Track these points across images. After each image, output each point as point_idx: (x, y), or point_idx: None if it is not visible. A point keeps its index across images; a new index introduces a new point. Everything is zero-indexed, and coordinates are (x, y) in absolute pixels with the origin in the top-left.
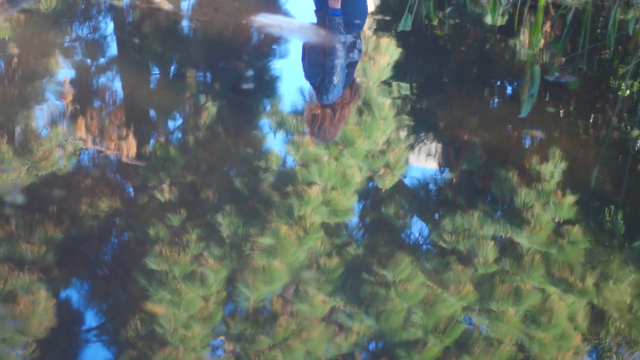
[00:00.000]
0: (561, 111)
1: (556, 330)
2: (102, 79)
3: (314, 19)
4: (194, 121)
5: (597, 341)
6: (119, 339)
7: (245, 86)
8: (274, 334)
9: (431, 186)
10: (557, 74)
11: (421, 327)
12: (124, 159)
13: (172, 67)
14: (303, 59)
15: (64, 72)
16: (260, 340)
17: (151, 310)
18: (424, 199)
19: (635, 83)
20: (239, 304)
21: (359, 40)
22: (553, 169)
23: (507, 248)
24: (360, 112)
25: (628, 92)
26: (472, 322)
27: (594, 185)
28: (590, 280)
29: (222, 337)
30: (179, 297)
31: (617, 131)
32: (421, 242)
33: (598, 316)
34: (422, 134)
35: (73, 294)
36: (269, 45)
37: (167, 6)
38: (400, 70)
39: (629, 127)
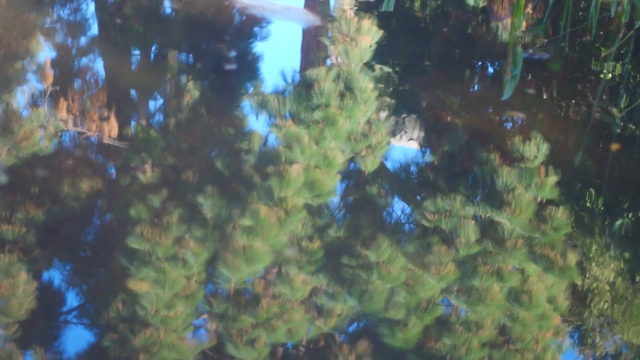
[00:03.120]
0: (544, 93)
1: (537, 310)
2: (84, 60)
3: (297, 1)
4: (176, 102)
5: (578, 322)
6: (101, 320)
7: (227, 67)
8: (257, 315)
9: (413, 167)
10: (530, 50)
11: (403, 307)
12: (106, 140)
13: (154, 48)
14: None
15: (45, 53)
16: (243, 320)
17: (133, 291)
18: (406, 180)
19: (618, 65)
20: (220, 285)
21: None
22: (536, 151)
23: (489, 229)
24: (342, 94)
25: (610, 75)
26: (454, 303)
27: (577, 167)
28: (571, 261)
29: (204, 317)
30: (161, 277)
31: (599, 113)
32: (403, 223)
33: (579, 297)
34: (405, 115)
35: (55, 275)
36: (251, 26)
37: None
38: (382, 52)
39: (610, 109)
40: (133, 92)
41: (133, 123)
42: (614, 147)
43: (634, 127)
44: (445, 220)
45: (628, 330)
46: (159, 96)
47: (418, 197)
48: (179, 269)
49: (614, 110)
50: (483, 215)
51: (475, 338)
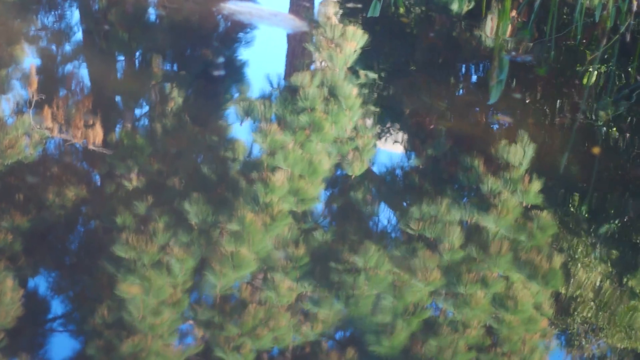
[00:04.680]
0: (529, 97)
1: (523, 314)
2: (69, 67)
3: (284, 6)
4: (161, 109)
5: (563, 326)
6: (87, 327)
7: (214, 73)
8: (243, 321)
9: (398, 171)
10: (513, 53)
11: (390, 313)
12: (91, 147)
13: (139, 55)
14: None
15: (30, 60)
16: (229, 326)
17: (119, 298)
18: (391, 185)
19: (602, 68)
20: (206, 292)
21: None
22: (522, 154)
23: (475, 234)
24: (327, 100)
25: (594, 79)
26: (440, 307)
27: (562, 172)
28: (557, 265)
29: (190, 324)
30: (147, 284)
31: (584, 117)
32: (389, 228)
33: (565, 301)
34: (390, 120)
35: (40, 283)
36: (237, 32)
37: None
38: (367, 57)
39: (594, 114)
40: (118, 98)
41: (118, 130)
42: (596, 150)
43: (618, 131)
44: (431, 225)
45: (614, 335)
46: (144, 103)
47: (404, 202)
48: (165, 275)
49: (600, 114)
50: (468, 220)
51: (461, 342)
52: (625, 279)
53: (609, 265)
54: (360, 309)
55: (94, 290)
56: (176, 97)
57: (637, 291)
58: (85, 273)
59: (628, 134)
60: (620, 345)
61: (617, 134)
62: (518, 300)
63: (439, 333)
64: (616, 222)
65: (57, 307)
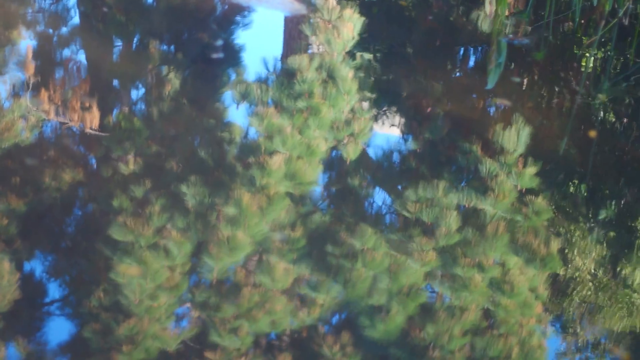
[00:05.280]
0: (527, 81)
1: (519, 298)
2: (65, 50)
3: None
4: (158, 92)
5: (560, 309)
6: (83, 310)
7: (211, 56)
8: (240, 304)
9: (395, 155)
10: (511, 36)
11: (387, 295)
12: (88, 130)
13: (136, 38)
14: None
15: (27, 43)
16: (226, 309)
17: (116, 281)
18: (388, 168)
19: (600, 53)
20: (203, 275)
21: None
22: (519, 138)
23: (471, 217)
24: (324, 83)
25: (592, 64)
26: (437, 290)
27: (561, 155)
28: (554, 249)
29: (187, 307)
30: (144, 267)
31: (582, 100)
32: (386, 211)
33: (562, 285)
34: (387, 104)
35: (37, 266)
36: (234, 15)
37: None
38: (364, 40)
39: (592, 98)
40: (115, 81)
41: (115, 113)
42: (593, 133)
43: (616, 114)
44: (428, 208)
45: (611, 318)
46: (141, 86)
47: (400, 186)
48: (162, 259)
49: (598, 98)
50: (465, 203)
51: (458, 325)
52: (621, 263)
53: (606, 248)
54: (357, 291)
55: (91, 273)
56: (173, 80)
57: (634, 275)
58: (82, 256)
59: (626, 118)
60: (616, 329)
61: (615, 117)
62: (514, 284)
63: (436, 316)
64: (613, 205)
65: (54, 290)
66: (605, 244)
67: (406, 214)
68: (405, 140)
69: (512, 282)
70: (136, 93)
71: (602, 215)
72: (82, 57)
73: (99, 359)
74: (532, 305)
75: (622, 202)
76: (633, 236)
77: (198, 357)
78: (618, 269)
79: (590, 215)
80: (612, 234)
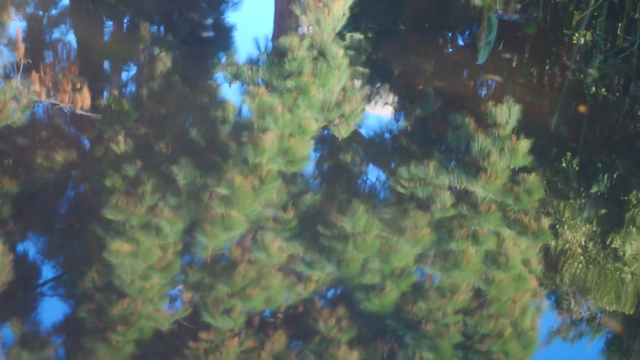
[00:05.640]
0: (518, 57)
1: (513, 272)
2: (56, 32)
3: None
4: (149, 72)
5: (553, 284)
6: (77, 291)
7: (202, 36)
8: (233, 283)
9: (387, 134)
10: (501, 12)
11: (379, 273)
12: (79, 111)
13: (126, 19)
14: None
15: (16, 25)
16: (220, 288)
17: (109, 261)
18: (381, 147)
19: (589, 34)
20: (197, 254)
21: None
22: (510, 115)
23: (463, 194)
24: (315, 62)
25: (582, 40)
26: (430, 268)
27: (552, 130)
28: (545, 224)
29: (181, 287)
30: (137, 247)
31: (573, 76)
32: (379, 190)
33: (554, 260)
34: (379, 82)
35: (30, 247)
36: None
37: None
38: (355, 19)
39: (583, 73)
40: (106, 62)
41: (106, 94)
42: (583, 108)
43: (607, 89)
44: (421, 186)
45: (602, 293)
46: (132, 66)
47: (393, 164)
48: (155, 238)
49: (589, 73)
50: (458, 182)
51: (451, 302)
52: (611, 237)
53: (596, 223)
54: (351, 269)
55: (84, 253)
56: (164, 60)
57: (625, 248)
58: (75, 237)
59: (617, 93)
60: (608, 304)
61: (606, 92)
62: (508, 259)
63: (430, 291)
64: (605, 180)
65: (46, 270)
66: (597, 218)
67: (401, 190)
68: (397, 118)
69: (505, 258)
70: (127, 74)
71: (594, 189)
72: (72, 38)
73: (94, 339)
74: (525, 280)
75: (615, 176)
76: (624, 209)
77: (192, 337)
78: (610, 242)
79: (582, 190)
80: (604, 208)
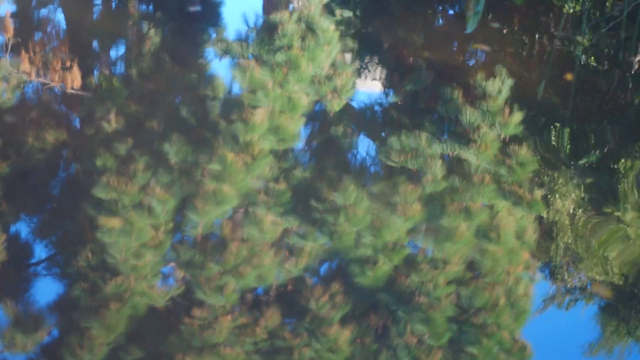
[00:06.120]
0: (506, 27)
1: (506, 245)
2: (44, 11)
3: None
4: (138, 50)
5: (545, 255)
6: (70, 270)
7: (191, 12)
8: (225, 258)
9: (378, 108)
10: None
11: (372, 246)
12: (69, 91)
13: None
14: None
15: (4, 6)
16: (212, 265)
17: (102, 240)
18: (371, 121)
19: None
20: (189, 231)
21: None
22: (503, 87)
23: (455, 166)
24: (304, 37)
25: (571, 9)
26: (422, 241)
27: (540, 99)
28: (537, 196)
29: (173, 264)
30: (129, 226)
31: (562, 45)
32: (370, 164)
33: (546, 231)
34: (368, 56)
35: (22, 227)
36: None
37: None
38: None
39: (572, 43)
40: (95, 41)
41: (96, 72)
42: (570, 77)
43: (596, 59)
44: (412, 157)
45: (594, 262)
46: (121, 44)
47: (384, 137)
48: (147, 216)
49: (578, 42)
50: (450, 153)
51: (443, 273)
52: (603, 205)
53: (587, 192)
54: (344, 242)
55: (77, 232)
56: (153, 38)
57: (616, 217)
58: (67, 216)
59: (607, 61)
60: (598, 273)
61: (595, 61)
62: (501, 231)
63: (423, 264)
64: (596, 148)
65: (40, 250)
66: (587, 187)
67: (391, 164)
68: (387, 92)
69: (497, 230)
70: (116, 52)
71: (585, 158)
72: (61, 17)
73: (88, 317)
74: (519, 251)
75: (605, 145)
76: (615, 178)
77: (186, 313)
78: (601, 210)
79: (572, 159)
80: (594, 176)
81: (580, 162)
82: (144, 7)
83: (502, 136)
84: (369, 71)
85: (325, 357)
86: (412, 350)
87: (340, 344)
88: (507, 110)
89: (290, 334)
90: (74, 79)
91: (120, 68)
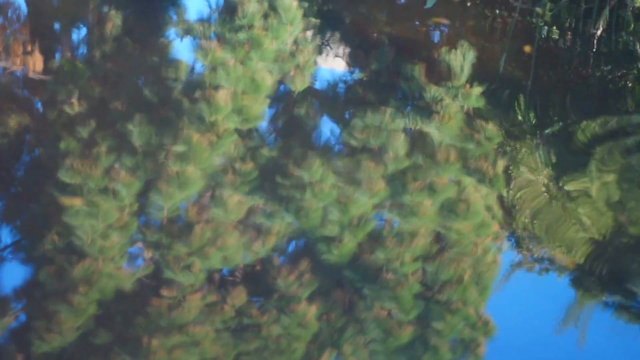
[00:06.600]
0: (468, 1)
1: (474, 220)
2: None
3: None
4: (99, 33)
5: (510, 230)
6: (36, 254)
7: None
8: (192, 240)
9: (341, 85)
10: None
11: (338, 223)
12: (31, 75)
13: None
14: None
15: None
16: (179, 246)
17: (68, 223)
18: (334, 99)
19: None
20: (155, 212)
21: None
22: (462, 59)
23: (419, 141)
24: (266, 15)
25: None
26: (387, 216)
27: (502, 72)
28: (501, 168)
29: (140, 245)
30: (95, 208)
31: (522, 18)
32: (335, 142)
33: (509, 203)
34: (331, 32)
35: None
36: None
37: None
38: None
39: (533, 15)
40: (56, 24)
41: (58, 55)
42: (529, 49)
43: (557, 29)
44: (376, 135)
45: (559, 233)
46: (82, 27)
47: (348, 114)
48: (112, 198)
49: (537, 12)
50: (413, 127)
51: (410, 250)
52: (568, 177)
53: (550, 164)
54: (310, 219)
55: (42, 216)
56: (115, 19)
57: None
58: (32, 200)
59: (569, 33)
60: (563, 245)
61: (557, 33)
62: (469, 206)
63: (389, 240)
64: (557, 120)
65: (5, 235)
66: (551, 158)
67: (354, 142)
68: (350, 69)
69: (461, 204)
70: (78, 34)
71: (547, 130)
72: (21, 1)
73: (56, 302)
74: (486, 225)
75: (566, 116)
76: (578, 149)
77: (154, 294)
78: (564, 182)
79: (536, 131)
80: (557, 148)
81: (544, 132)
82: None
83: (465, 107)
84: (332, 48)
85: (294, 333)
86: (380, 324)
87: (308, 319)
88: (469, 83)
89: (258, 312)
90: (36, 63)
91: (82, 50)
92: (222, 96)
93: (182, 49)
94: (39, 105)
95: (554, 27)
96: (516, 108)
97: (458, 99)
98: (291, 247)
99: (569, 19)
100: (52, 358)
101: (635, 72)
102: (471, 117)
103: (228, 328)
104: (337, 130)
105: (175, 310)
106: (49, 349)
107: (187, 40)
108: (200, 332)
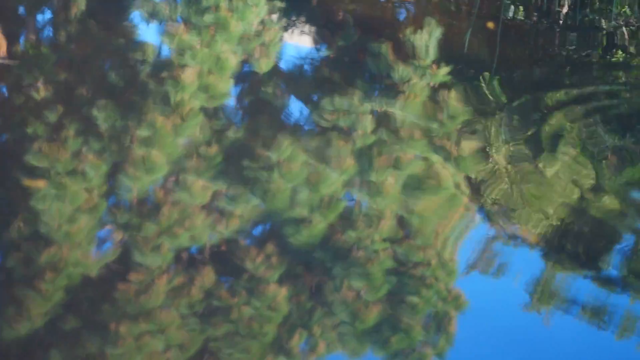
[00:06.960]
0: None
1: (439, 195)
2: None
3: None
4: (64, 15)
5: (480, 205)
6: (3, 240)
7: None
8: (160, 222)
9: (307, 64)
10: None
11: (307, 204)
12: None
13: None
14: None
15: None
16: (146, 229)
17: (35, 208)
18: (300, 78)
19: None
20: (122, 196)
21: None
22: (428, 38)
23: (386, 119)
24: None
25: None
26: (356, 196)
27: (467, 51)
28: (469, 146)
29: (108, 229)
30: (62, 192)
31: None
32: (302, 122)
33: (478, 182)
34: (297, 11)
35: None
36: None
37: None
38: None
39: None
40: (20, 7)
41: (22, 39)
42: (491, 25)
43: (523, 6)
44: (344, 116)
45: (528, 208)
46: (47, 10)
47: (315, 94)
48: (80, 182)
49: None
50: (379, 108)
51: (377, 231)
52: (535, 154)
53: (517, 142)
54: (278, 200)
55: (8, 202)
56: (79, 2)
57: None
58: None
59: (535, 12)
60: (533, 219)
61: (522, 12)
62: (437, 182)
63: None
64: (524, 96)
65: None
66: (517, 136)
67: (323, 123)
68: (316, 48)
69: (428, 182)
70: (42, 17)
71: (515, 105)
72: None
73: (23, 288)
74: (454, 200)
75: (533, 92)
76: (545, 125)
77: (121, 279)
78: (533, 161)
79: (502, 107)
80: (523, 124)
81: (510, 107)
82: None
83: (432, 84)
84: (297, 27)
85: (265, 314)
86: (349, 305)
87: (278, 301)
88: (435, 62)
89: (228, 294)
90: (0, 47)
91: (47, 34)
92: (189, 74)
93: (148, 31)
94: (4, 90)
95: (520, 7)
96: (482, 83)
97: (425, 77)
98: (259, 231)
99: None
100: (19, 344)
101: (600, 50)
102: (439, 94)
103: (196, 313)
104: (305, 109)
105: (143, 294)
106: (16, 336)
107: (153, 22)
108: (168, 316)
